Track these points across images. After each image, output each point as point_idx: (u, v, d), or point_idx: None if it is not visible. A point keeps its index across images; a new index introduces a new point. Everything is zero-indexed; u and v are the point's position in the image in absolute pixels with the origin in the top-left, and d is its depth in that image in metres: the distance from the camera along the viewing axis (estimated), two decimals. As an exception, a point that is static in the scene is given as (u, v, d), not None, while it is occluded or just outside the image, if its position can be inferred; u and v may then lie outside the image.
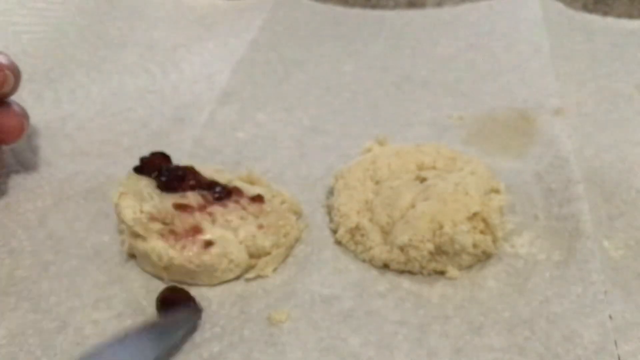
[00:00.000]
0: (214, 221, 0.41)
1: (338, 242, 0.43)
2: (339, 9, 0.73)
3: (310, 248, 0.43)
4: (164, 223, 0.40)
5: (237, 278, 0.40)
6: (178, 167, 0.43)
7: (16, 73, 0.47)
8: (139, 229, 0.40)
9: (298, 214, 0.44)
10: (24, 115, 0.48)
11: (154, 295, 0.39)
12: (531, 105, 0.55)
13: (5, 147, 0.48)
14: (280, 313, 0.38)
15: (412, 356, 0.35)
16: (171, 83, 0.61)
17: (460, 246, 0.39)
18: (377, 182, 0.44)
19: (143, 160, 0.44)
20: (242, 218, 0.41)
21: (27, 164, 0.50)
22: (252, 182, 0.45)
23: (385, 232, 0.41)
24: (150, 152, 0.45)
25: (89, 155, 0.51)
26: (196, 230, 0.40)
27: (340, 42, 0.67)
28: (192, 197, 0.41)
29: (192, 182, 0.42)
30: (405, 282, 0.40)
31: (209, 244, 0.39)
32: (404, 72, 0.62)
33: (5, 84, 0.45)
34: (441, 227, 0.39)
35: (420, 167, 0.45)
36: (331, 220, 0.44)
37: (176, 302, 0.38)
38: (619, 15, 0.69)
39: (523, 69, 0.60)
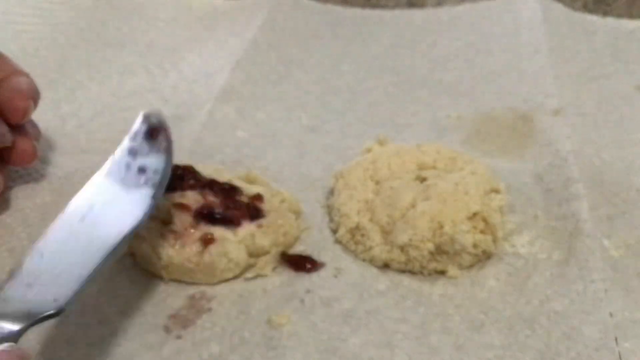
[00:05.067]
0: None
1: (338, 242, 0.43)
2: (339, 9, 0.73)
3: (310, 248, 0.42)
4: (163, 222, 0.40)
5: (237, 277, 0.40)
6: (177, 167, 0.43)
7: (36, 97, 0.46)
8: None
9: (297, 213, 0.44)
10: (36, 137, 0.48)
11: (153, 294, 0.39)
12: (530, 106, 0.55)
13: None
14: (280, 317, 0.38)
15: (412, 354, 0.35)
16: (170, 82, 0.61)
17: (461, 246, 0.39)
18: (377, 182, 0.44)
19: None
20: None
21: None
22: (251, 182, 0.45)
23: (386, 232, 0.41)
24: None
25: (88, 153, 0.51)
26: (195, 229, 0.40)
27: (340, 42, 0.67)
28: (191, 197, 0.41)
29: (191, 182, 0.42)
30: (406, 280, 0.40)
31: (208, 243, 0.39)
32: (404, 72, 0.62)
33: (27, 114, 0.45)
34: (441, 226, 0.39)
35: (421, 167, 0.45)
36: (331, 220, 0.44)
37: None
38: (619, 15, 0.69)
39: (522, 69, 0.60)
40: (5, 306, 0.30)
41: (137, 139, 0.39)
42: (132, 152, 0.39)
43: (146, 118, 0.40)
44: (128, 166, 0.38)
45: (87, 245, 0.33)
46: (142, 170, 0.38)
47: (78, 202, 0.35)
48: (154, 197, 0.36)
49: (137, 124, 0.40)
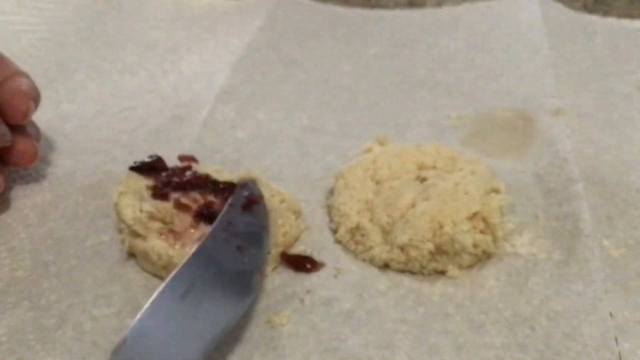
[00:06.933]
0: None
1: (338, 242, 0.43)
2: (339, 9, 0.73)
3: (310, 248, 0.42)
4: (164, 222, 0.40)
5: (237, 277, 0.40)
6: (176, 169, 0.43)
7: (37, 98, 0.47)
8: (138, 228, 0.40)
9: (297, 213, 0.44)
10: (36, 137, 0.48)
11: (153, 294, 0.39)
12: (530, 106, 0.55)
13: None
14: (280, 317, 0.38)
15: (412, 354, 0.35)
16: (170, 82, 0.61)
17: (461, 246, 0.39)
18: (377, 182, 0.44)
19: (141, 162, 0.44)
20: (241, 217, 0.41)
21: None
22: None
23: (386, 232, 0.41)
24: (146, 153, 0.45)
25: (88, 153, 0.51)
26: (195, 229, 0.40)
27: (340, 42, 0.67)
28: (191, 197, 0.41)
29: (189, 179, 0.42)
30: (406, 280, 0.40)
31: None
32: (404, 72, 0.62)
33: (28, 115, 0.46)
34: (441, 226, 0.39)
35: (420, 167, 0.45)
36: (331, 220, 0.44)
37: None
38: (619, 15, 0.69)
39: (522, 69, 0.60)
40: None
41: (235, 210, 0.40)
42: (230, 227, 0.39)
43: (242, 187, 0.41)
44: (227, 242, 0.38)
45: (188, 329, 0.33)
46: (240, 248, 0.38)
47: (179, 277, 0.35)
48: (255, 281, 0.37)
49: (234, 195, 0.41)
